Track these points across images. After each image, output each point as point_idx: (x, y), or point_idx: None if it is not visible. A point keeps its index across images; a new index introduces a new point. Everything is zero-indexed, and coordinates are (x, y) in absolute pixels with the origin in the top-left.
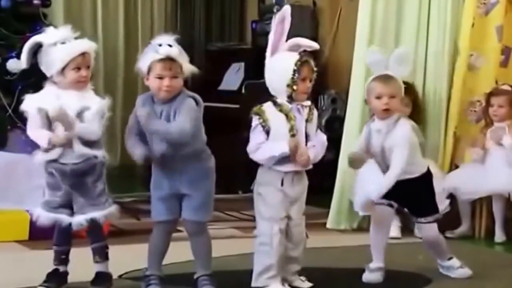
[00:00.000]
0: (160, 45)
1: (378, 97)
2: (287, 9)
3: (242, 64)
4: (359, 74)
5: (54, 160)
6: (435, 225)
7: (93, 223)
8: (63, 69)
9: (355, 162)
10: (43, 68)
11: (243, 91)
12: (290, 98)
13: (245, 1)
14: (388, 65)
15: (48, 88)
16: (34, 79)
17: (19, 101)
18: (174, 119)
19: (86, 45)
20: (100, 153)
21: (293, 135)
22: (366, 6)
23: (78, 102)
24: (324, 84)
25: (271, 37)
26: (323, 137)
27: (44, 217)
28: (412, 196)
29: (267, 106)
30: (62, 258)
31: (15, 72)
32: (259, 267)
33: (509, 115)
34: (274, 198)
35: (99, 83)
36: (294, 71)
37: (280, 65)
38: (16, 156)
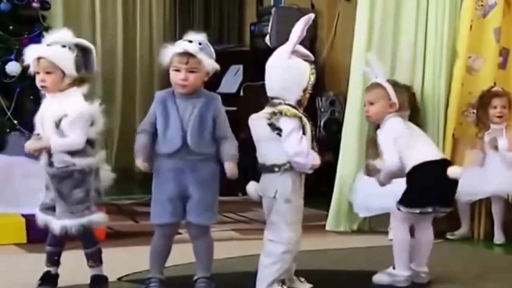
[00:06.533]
0: (184, 40)
1: (364, 105)
2: (311, 16)
3: (241, 66)
4: (358, 76)
5: (48, 162)
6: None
7: (79, 229)
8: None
9: (369, 171)
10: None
11: (241, 93)
12: (299, 103)
13: (244, 3)
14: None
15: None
16: (32, 82)
17: (18, 104)
18: (193, 113)
19: (40, 50)
20: (80, 161)
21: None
22: (364, 9)
23: (58, 109)
24: (322, 86)
25: (293, 40)
26: None
27: (39, 217)
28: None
29: (292, 109)
30: (54, 260)
31: (14, 75)
32: (276, 274)
33: (509, 116)
34: (301, 202)
35: (98, 86)
36: (309, 78)
37: (300, 69)
38: (13, 159)
